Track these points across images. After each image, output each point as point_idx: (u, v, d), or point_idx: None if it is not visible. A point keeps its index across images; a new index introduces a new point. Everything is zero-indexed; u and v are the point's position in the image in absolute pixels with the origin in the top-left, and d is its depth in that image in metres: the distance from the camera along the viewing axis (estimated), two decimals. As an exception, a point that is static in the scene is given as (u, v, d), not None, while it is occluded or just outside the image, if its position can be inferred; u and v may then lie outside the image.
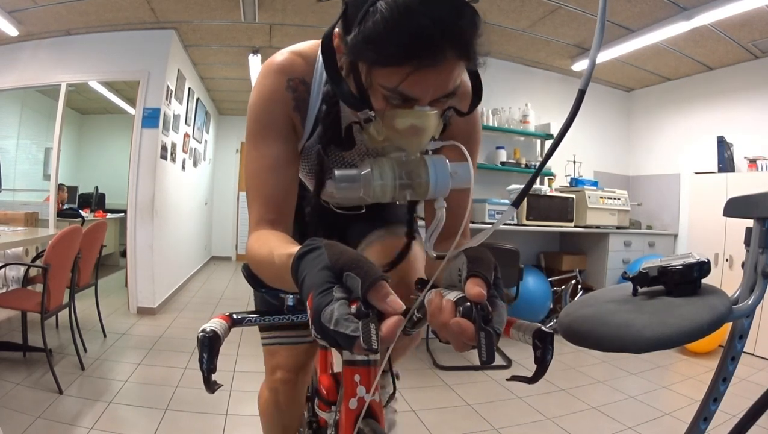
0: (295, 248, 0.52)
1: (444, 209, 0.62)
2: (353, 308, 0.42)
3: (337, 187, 0.59)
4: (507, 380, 0.64)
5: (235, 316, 0.61)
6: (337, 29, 0.61)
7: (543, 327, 0.57)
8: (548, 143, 4.28)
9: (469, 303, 0.47)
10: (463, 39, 0.54)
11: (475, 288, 0.47)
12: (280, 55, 0.76)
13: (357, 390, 0.66)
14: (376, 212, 1.04)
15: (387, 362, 0.55)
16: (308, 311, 0.43)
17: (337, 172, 0.60)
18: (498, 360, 2.92)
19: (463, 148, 0.60)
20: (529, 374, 0.58)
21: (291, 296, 0.69)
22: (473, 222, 3.41)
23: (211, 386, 0.54)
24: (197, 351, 0.53)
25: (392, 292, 0.44)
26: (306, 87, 0.75)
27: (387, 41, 0.52)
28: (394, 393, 0.98)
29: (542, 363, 0.56)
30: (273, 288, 0.66)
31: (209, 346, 0.53)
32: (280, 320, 0.67)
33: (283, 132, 0.74)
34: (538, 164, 4.15)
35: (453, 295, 0.50)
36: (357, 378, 0.66)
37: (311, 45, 0.78)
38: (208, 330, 0.54)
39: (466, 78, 0.66)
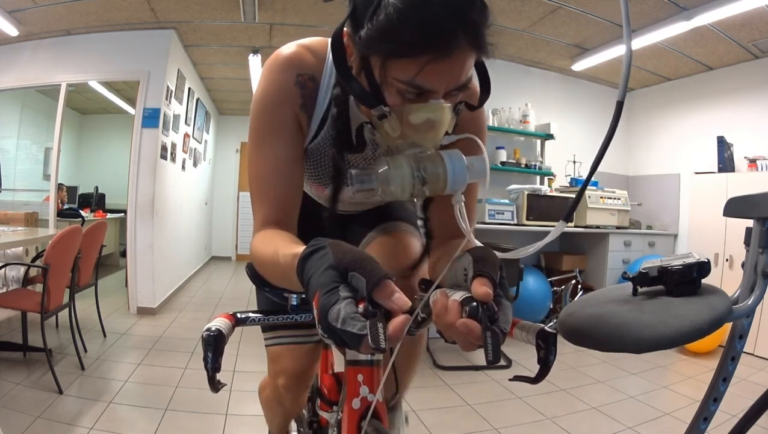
0: (299, 248, 0.52)
1: (463, 204, 0.61)
2: (360, 307, 0.42)
3: (355, 187, 0.59)
4: (510, 380, 0.64)
5: (239, 315, 0.61)
6: (345, 28, 0.61)
7: (546, 328, 0.57)
8: (548, 143, 4.29)
9: (475, 303, 0.47)
10: (475, 27, 0.54)
11: (481, 288, 0.47)
12: (288, 48, 0.73)
13: (360, 389, 0.66)
14: (378, 211, 1.04)
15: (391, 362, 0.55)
16: (314, 311, 0.43)
17: (354, 172, 0.59)
18: (498, 360, 2.91)
19: (478, 140, 0.60)
20: (530, 373, 0.58)
21: (295, 295, 0.69)
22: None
23: (215, 385, 0.54)
24: (201, 350, 0.54)
25: (397, 290, 0.44)
26: (315, 84, 0.73)
27: (402, 31, 0.52)
28: (397, 393, 0.98)
29: (545, 364, 0.56)
30: (277, 288, 0.66)
31: (214, 345, 0.53)
32: (284, 320, 0.66)
33: (289, 131, 0.73)
34: (538, 164, 4.17)
35: (458, 295, 0.50)
36: (360, 377, 0.66)
37: (320, 41, 0.76)
38: (213, 329, 0.54)
39: (473, 73, 0.66)
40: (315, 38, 0.77)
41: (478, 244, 0.58)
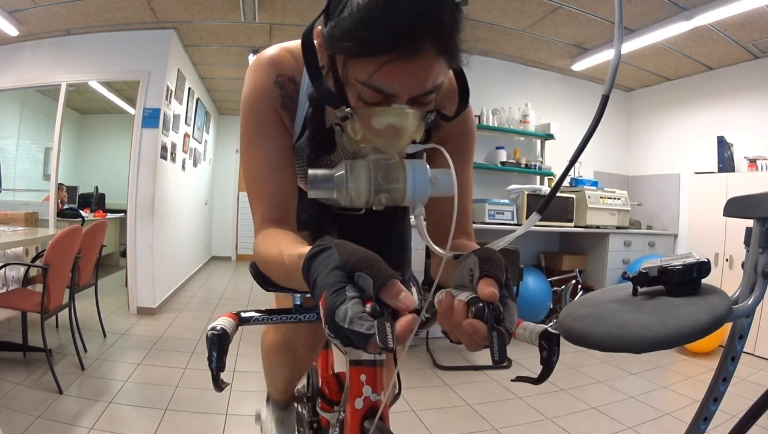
0: (304, 248, 0.52)
1: (422, 218, 0.60)
2: (368, 307, 0.42)
3: (309, 187, 0.58)
4: (512, 381, 0.64)
5: (243, 314, 0.61)
6: (318, 26, 0.60)
7: (550, 328, 0.57)
8: (548, 143, 4.29)
9: (481, 304, 0.47)
10: (443, 31, 0.52)
11: (488, 288, 0.48)
12: (270, 51, 0.75)
13: (363, 389, 0.66)
14: (375, 211, 1.04)
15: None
16: (321, 311, 0.43)
17: (309, 171, 0.58)
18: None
19: (444, 151, 0.56)
20: (530, 373, 0.58)
21: (299, 295, 0.68)
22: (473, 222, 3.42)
23: (219, 384, 0.54)
24: (201, 350, 0.54)
25: (404, 289, 0.44)
26: (295, 86, 0.74)
27: (362, 30, 0.51)
28: (399, 393, 0.98)
29: (548, 364, 0.56)
30: (281, 287, 0.66)
31: (219, 344, 0.53)
32: (288, 320, 0.66)
33: (275, 129, 0.73)
34: (538, 164, 4.16)
35: (464, 295, 0.50)
36: (363, 377, 0.66)
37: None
38: (218, 328, 0.54)
39: (454, 81, 0.65)
40: (298, 41, 0.77)
41: (445, 253, 0.57)
